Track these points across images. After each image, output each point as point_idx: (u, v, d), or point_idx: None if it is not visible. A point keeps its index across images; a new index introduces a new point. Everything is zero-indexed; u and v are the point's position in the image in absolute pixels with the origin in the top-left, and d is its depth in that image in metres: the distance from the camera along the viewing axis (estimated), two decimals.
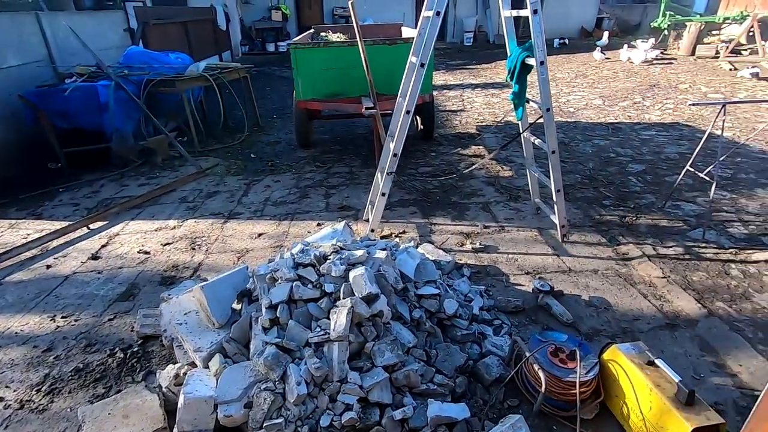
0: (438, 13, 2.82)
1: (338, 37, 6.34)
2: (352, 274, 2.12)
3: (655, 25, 14.25)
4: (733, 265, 3.27)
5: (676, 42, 13.32)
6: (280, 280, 2.15)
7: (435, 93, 8.99)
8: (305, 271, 2.17)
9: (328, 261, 2.21)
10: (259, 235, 3.85)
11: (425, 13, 3.04)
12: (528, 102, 3.50)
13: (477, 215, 4.11)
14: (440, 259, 3.10)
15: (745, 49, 12.03)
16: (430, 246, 3.34)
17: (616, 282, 3.10)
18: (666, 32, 13.85)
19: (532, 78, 3.41)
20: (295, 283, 2.13)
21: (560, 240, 3.61)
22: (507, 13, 3.31)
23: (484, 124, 7.13)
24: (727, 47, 11.80)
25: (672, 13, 13.85)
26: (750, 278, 3.11)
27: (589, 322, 2.72)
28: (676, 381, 1.81)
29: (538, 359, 2.07)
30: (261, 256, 3.51)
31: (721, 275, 3.16)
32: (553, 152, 3.28)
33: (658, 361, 1.93)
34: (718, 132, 3.64)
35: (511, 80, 3.32)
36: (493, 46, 16.03)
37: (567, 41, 15.80)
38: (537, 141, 3.58)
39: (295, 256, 2.27)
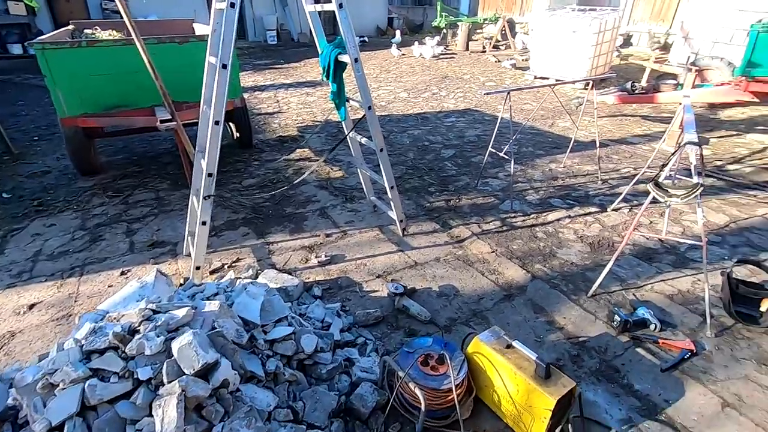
0: (232, 5, 2.39)
1: (111, 34, 5.17)
2: (175, 345, 1.61)
3: (435, 24, 16.29)
4: (537, 228, 3.82)
5: (454, 39, 15.49)
6: (62, 385, 1.49)
7: (246, 96, 8.32)
8: (103, 360, 1.55)
9: (137, 336, 1.63)
10: (31, 306, 2.80)
11: (218, 5, 2.57)
12: (348, 101, 3.37)
13: (316, 224, 3.86)
14: (286, 284, 2.74)
15: (502, 44, 14.76)
16: (273, 272, 2.94)
17: (457, 266, 3.27)
18: (445, 31, 15.97)
19: (350, 75, 3.28)
20: (88, 382, 1.50)
21: (401, 235, 3.65)
22: (311, 7, 3.08)
23: (304, 124, 6.89)
24: (490, 43, 14.28)
25: (446, 14, 16.02)
26: (551, 237, 3.68)
27: (444, 313, 2.77)
28: (533, 358, 1.91)
29: (412, 375, 1.94)
30: (39, 337, 2.54)
31: (532, 239, 3.65)
32: (381, 150, 3.24)
33: (515, 343, 2.02)
34: (505, 115, 4.20)
35: (328, 79, 3.12)
36: (298, 45, 15.88)
37: (367, 39, 16.77)
38: (363, 140, 3.50)
39: (83, 341, 1.61)
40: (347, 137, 3.54)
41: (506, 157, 4.26)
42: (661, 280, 3.06)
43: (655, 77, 8.46)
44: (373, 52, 14.36)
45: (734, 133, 6.42)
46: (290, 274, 3.01)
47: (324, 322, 2.44)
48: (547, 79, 9.27)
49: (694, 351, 2.38)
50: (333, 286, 3.01)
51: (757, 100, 5.48)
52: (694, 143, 2.48)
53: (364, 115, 3.08)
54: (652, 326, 2.56)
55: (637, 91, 6.78)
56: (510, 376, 1.94)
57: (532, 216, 4.01)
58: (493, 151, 4.39)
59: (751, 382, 2.25)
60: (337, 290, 2.97)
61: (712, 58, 7.23)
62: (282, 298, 2.30)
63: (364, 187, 4.05)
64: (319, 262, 3.24)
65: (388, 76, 10.73)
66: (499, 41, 14.53)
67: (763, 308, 2.64)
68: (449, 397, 1.92)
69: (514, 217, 4.00)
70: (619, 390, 2.23)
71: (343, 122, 3.51)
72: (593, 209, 4.13)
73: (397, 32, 15.82)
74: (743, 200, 4.26)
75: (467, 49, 14.22)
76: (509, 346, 2.03)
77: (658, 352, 2.43)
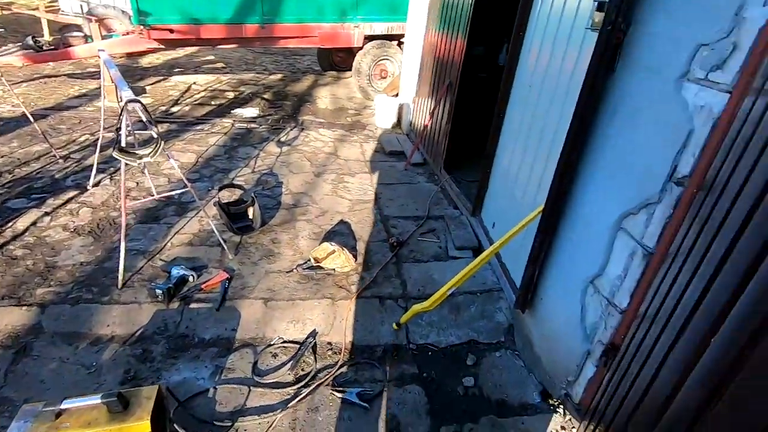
0: None
1: None
2: None
3: None
4: (11, 247, 2.88)
5: None
6: None
7: None
8: None
9: None
10: None
11: None
12: None
13: None
14: None
15: None
16: None
17: None
18: None
19: None
20: None
21: None
22: None
23: None
24: None
25: None
26: (37, 248, 2.90)
27: None
28: (98, 401, 1.54)
29: None
30: None
31: (12, 264, 2.74)
32: None
33: (64, 405, 1.53)
34: None
35: None
36: None
37: None
38: None
39: None
40: None
41: None
42: (176, 233, 3.18)
43: (58, 29, 7.65)
44: None
45: (161, 77, 7.08)
46: None
47: None
48: None
49: (230, 277, 2.73)
50: None
51: (163, 46, 6.09)
52: (134, 101, 2.45)
53: None
54: (190, 278, 2.67)
55: (45, 48, 5.90)
56: None
57: None
58: None
59: (269, 273, 2.88)
60: None
61: (106, 8, 7.21)
62: None
63: None
64: None
65: None
66: None
67: (250, 216, 3.31)
68: None
69: None
70: (197, 351, 2.27)
71: None
72: (72, 193, 3.55)
73: None
74: (197, 135, 4.93)
75: None
76: (60, 414, 1.52)
77: (207, 297, 2.60)
